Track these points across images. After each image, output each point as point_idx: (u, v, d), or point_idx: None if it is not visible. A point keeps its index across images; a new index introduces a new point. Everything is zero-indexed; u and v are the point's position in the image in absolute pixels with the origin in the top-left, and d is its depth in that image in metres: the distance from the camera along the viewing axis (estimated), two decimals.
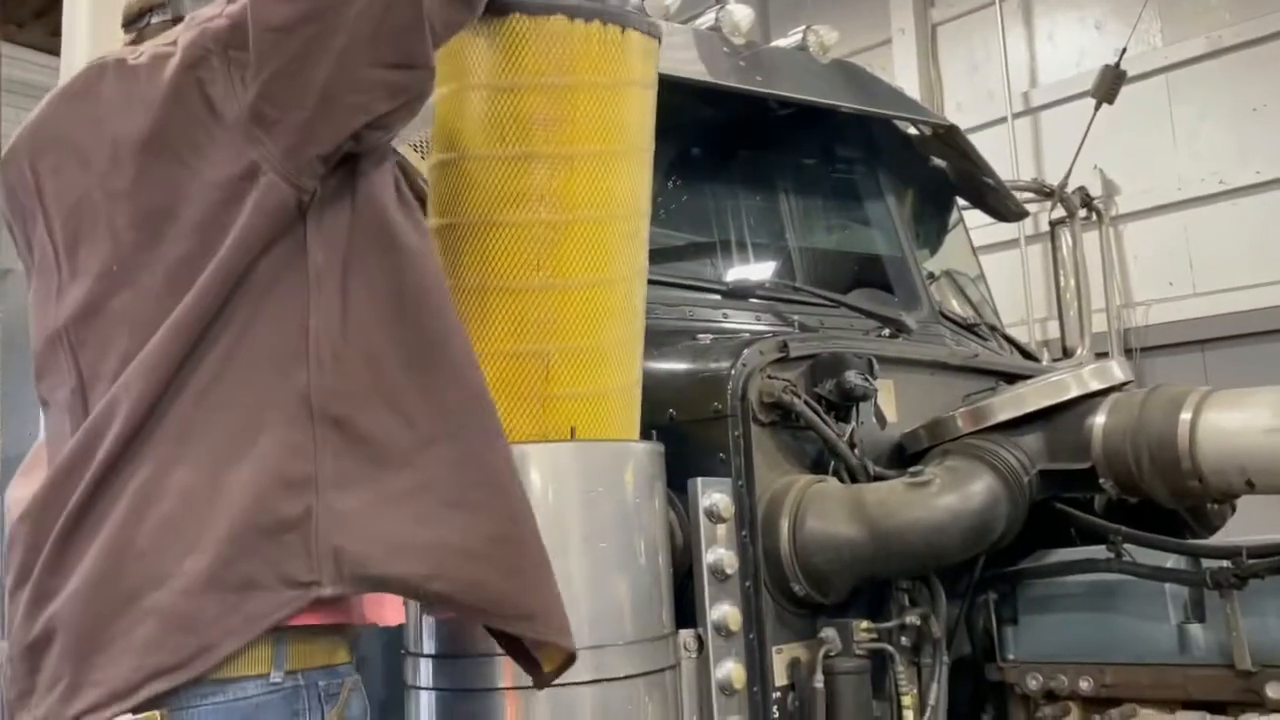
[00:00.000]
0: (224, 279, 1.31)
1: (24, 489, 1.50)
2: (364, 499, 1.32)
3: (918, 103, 3.24)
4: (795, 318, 2.55)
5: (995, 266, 6.64)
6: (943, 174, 3.49)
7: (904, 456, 2.32)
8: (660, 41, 1.93)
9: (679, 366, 2.22)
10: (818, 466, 2.21)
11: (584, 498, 1.80)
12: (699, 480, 1.99)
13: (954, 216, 3.63)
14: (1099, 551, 2.12)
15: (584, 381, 1.80)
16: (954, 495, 2.01)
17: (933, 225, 3.58)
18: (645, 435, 2.04)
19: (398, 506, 1.34)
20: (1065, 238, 5.73)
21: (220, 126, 1.33)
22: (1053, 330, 6.40)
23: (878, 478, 2.16)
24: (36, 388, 1.51)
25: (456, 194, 1.79)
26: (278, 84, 1.31)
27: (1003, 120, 7.09)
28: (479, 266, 1.76)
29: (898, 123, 3.20)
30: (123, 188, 1.38)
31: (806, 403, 2.11)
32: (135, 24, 1.63)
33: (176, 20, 1.57)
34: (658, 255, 2.66)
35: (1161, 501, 2.11)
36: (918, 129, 3.25)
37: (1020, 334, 6.48)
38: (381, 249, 1.41)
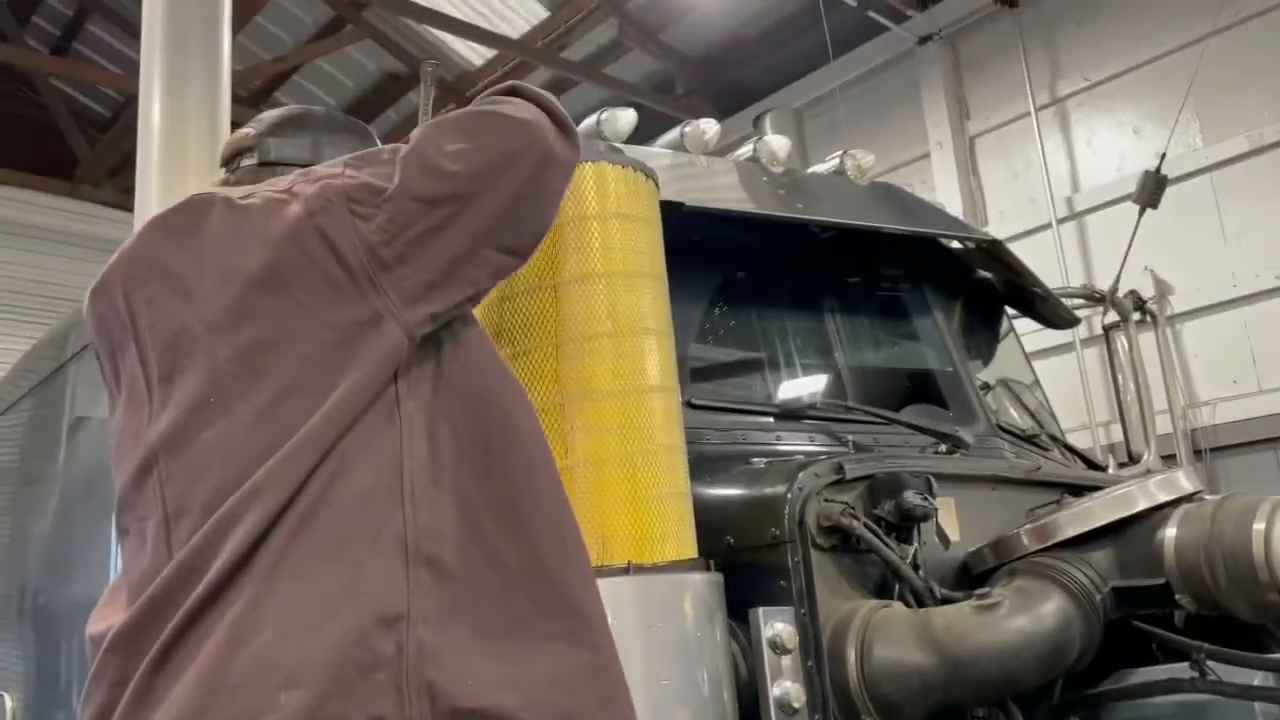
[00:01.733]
0: (342, 418, 1.35)
1: (105, 622, 1.49)
2: (456, 635, 1.34)
3: (958, 219, 3.27)
4: (849, 437, 2.53)
5: (1051, 372, 6.60)
6: (991, 285, 3.50)
7: (970, 577, 2.26)
8: (658, 186, 2.16)
9: (734, 492, 2.21)
10: (882, 590, 2.16)
11: (644, 632, 1.79)
12: (760, 610, 1.96)
13: (1004, 326, 3.62)
14: (1183, 670, 2.03)
15: (666, 481, 1.89)
16: (1025, 617, 1.95)
17: (984, 336, 3.57)
18: (706, 564, 2.03)
19: (489, 642, 1.36)
20: (1121, 341, 5.66)
21: (342, 271, 1.41)
22: (1116, 434, 6.27)
23: (945, 600, 2.11)
24: (118, 519, 1.52)
25: (528, 323, 1.96)
26: (411, 247, 1.42)
27: (1047, 226, 7.13)
28: (554, 382, 1.89)
29: (944, 240, 3.23)
30: (227, 321, 1.41)
31: (866, 525, 2.08)
32: (228, 165, 1.76)
33: (263, 164, 1.72)
34: (707, 379, 2.70)
35: (1242, 616, 2.03)
36: (961, 244, 3.28)
37: (1083, 439, 6.37)
38: (470, 396, 1.49)
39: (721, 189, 2.69)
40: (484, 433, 1.47)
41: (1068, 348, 6.55)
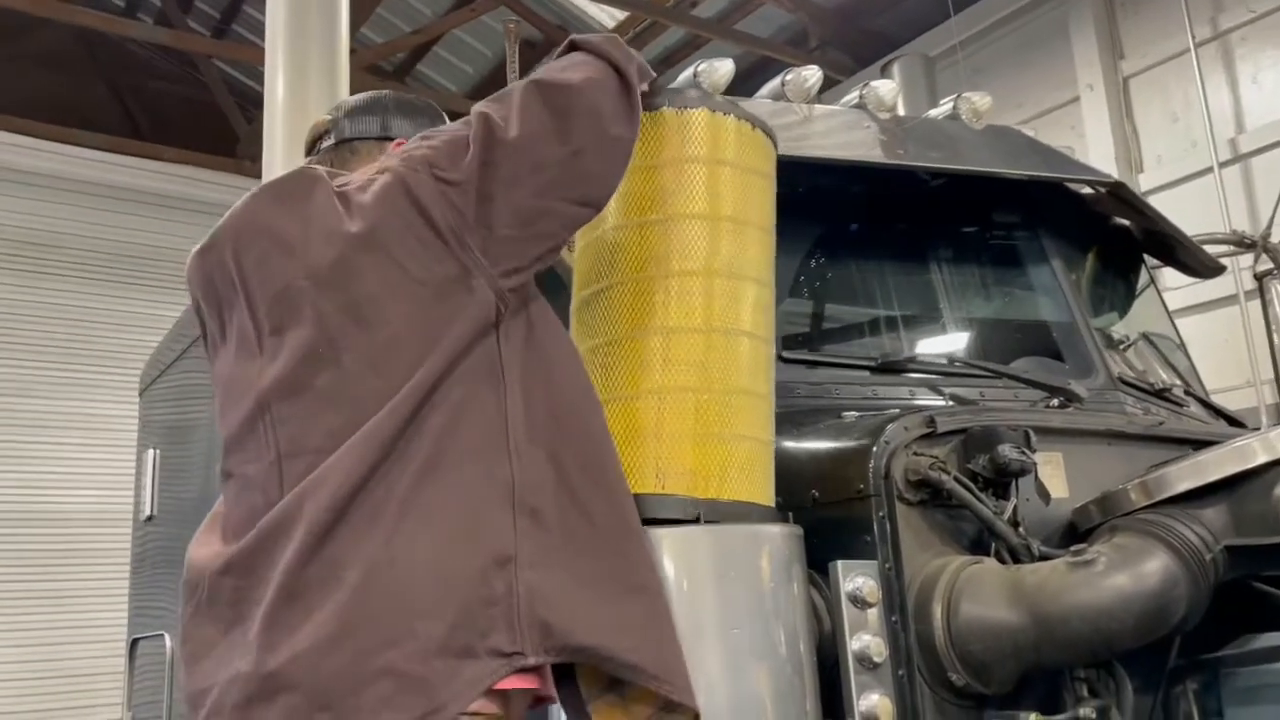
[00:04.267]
0: (444, 369, 1.48)
1: (206, 548, 1.61)
2: (558, 579, 1.48)
3: (1080, 162, 3.08)
4: (951, 391, 2.44)
5: (1213, 325, 6.18)
6: (1125, 232, 3.31)
7: (1076, 535, 2.16)
8: (776, 144, 2.09)
9: (821, 445, 2.17)
10: (977, 548, 2.09)
11: (717, 583, 1.78)
12: (840, 564, 1.92)
13: (1144, 277, 3.41)
14: None
15: (732, 423, 1.86)
16: (1123, 575, 1.85)
17: (1118, 287, 3.38)
18: (785, 516, 2.01)
19: (587, 588, 1.50)
20: (1276, 290, 5.25)
21: (431, 232, 1.54)
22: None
23: (1045, 558, 2.02)
24: (225, 461, 1.64)
25: (612, 258, 1.94)
26: (487, 206, 1.54)
27: (1209, 170, 6.66)
28: (631, 316, 1.88)
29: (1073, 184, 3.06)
30: (333, 277, 1.53)
31: (957, 479, 2.02)
32: (311, 151, 1.95)
33: (340, 142, 1.90)
34: (803, 333, 2.65)
35: None
36: (1092, 188, 3.10)
37: (1247, 398, 5.95)
38: (551, 361, 1.62)
39: (820, 137, 2.62)
40: (569, 396, 1.61)
41: (1232, 300, 6.12)
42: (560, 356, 1.65)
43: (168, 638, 3.99)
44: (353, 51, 9.39)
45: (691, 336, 1.88)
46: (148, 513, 4.49)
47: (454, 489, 1.45)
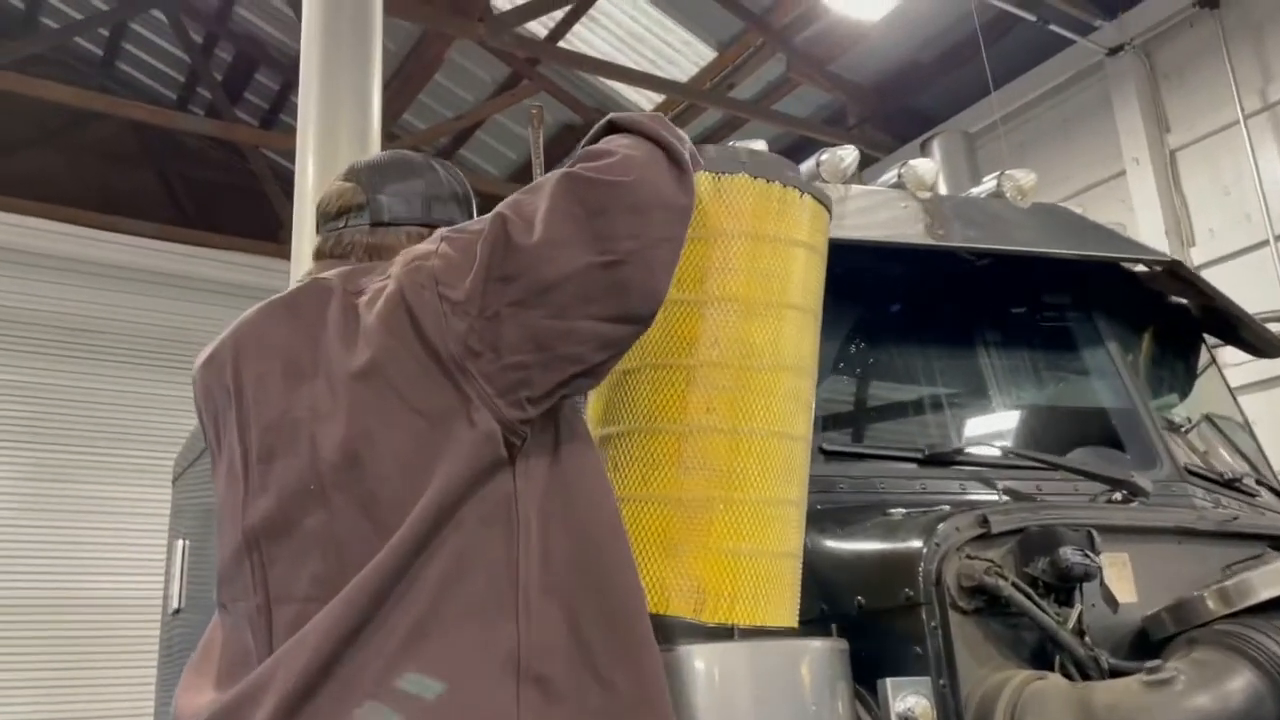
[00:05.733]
0: (433, 515, 1.29)
1: (194, 695, 1.48)
2: None
3: (1133, 240, 2.95)
4: (1005, 485, 2.28)
5: (1262, 406, 5.92)
6: (1182, 310, 3.15)
7: (1148, 645, 1.97)
8: (830, 211, 1.91)
9: (865, 547, 2.02)
10: (1040, 659, 1.92)
11: (755, 706, 1.63)
12: (889, 682, 1.76)
13: (1204, 357, 3.24)
14: None
15: (747, 537, 1.67)
16: (1205, 696, 1.67)
17: (1178, 369, 3.21)
18: (828, 627, 1.86)
19: None
20: None
21: (431, 358, 1.35)
22: None
23: (1115, 672, 1.84)
24: (218, 592, 1.52)
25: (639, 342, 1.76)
26: (494, 328, 1.34)
27: (1264, 244, 6.47)
28: (648, 409, 1.72)
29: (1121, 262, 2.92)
30: (331, 410, 1.38)
31: (1015, 585, 1.85)
32: (333, 222, 1.68)
33: (375, 225, 1.65)
34: (841, 422, 2.51)
35: None
36: (1146, 266, 2.96)
37: None
38: (577, 500, 1.40)
39: (858, 217, 2.51)
40: (595, 541, 1.39)
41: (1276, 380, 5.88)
42: (589, 494, 1.42)
43: None
44: (395, 138, 9.58)
45: (715, 437, 1.71)
46: (176, 605, 4.40)
47: (442, 659, 1.24)
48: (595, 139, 1.58)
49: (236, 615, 1.45)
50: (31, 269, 9.51)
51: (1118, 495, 2.34)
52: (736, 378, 1.75)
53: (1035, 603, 1.86)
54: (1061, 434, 2.58)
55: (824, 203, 1.90)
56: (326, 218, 1.72)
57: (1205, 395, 3.23)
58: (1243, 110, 6.62)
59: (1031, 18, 7.08)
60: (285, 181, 11.48)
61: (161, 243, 10.04)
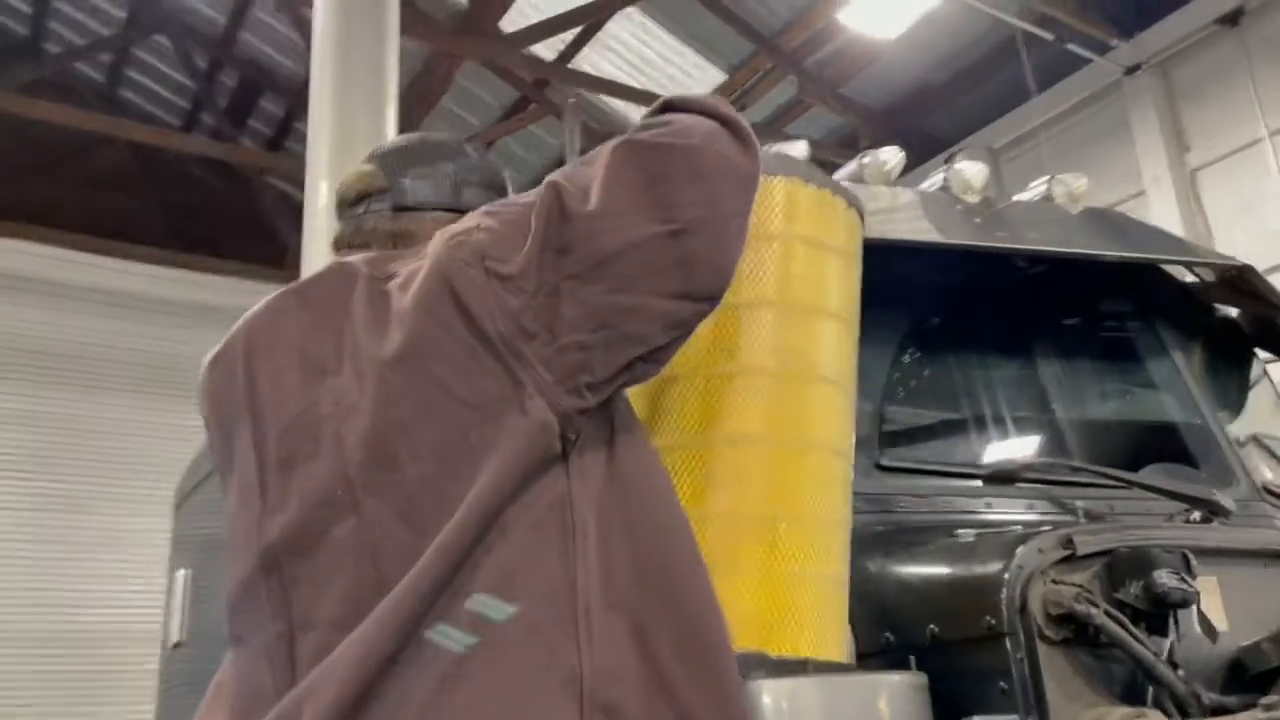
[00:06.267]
0: (478, 520, 1.11)
1: None
2: None
3: (1193, 244, 2.80)
4: (1076, 503, 2.12)
5: None
6: (1232, 324, 2.99)
7: (1245, 679, 1.80)
8: (864, 218, 1.84)
9: (937, 571, 1.85)
10: (1130, 694, 1.75)
11: None
12: None
13: (1255, 371, 3.08)
14: None
15: (813, 559, 1.54)
16: None
17: (1229, 383, 3.05)
18: (898, 659, 1.69)
19: None
20: None
21: (480, 341, 1.18)
22: None
23: (1217, 710, 1.68)
24: (230, 623, 1.33)
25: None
26: (552, 307, 1.17)
27: None
28: (699, 420, 1.58)
29: (1174, 270, 2.78)
30: (358, 402, 1.21)
31: (1108, 613, 1.69)
32: (352, 209, 1.53)
33: (399, 210, 1.50)
34: (899, 437, 2.35)
35: None
36: (1196, 275, 2.81)
37: None
38: (640, 503, 1.22)
39: (907, 220, 2.36)
40: (663, 549, 1.21)
41: None
42: (652, 495, 1.25)
43: None
44: None
45: (775, 450, 1.58)
46: (176, 638, 4.21)
47: (496, 684, 1.07)
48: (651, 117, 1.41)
49: (252, 649, 1.26)
50: (35, 295, 9.39)
51: (1196, 515, 2.18)
52: (796, 388, 1.63)
53: (1130, 633, 1.69)
54: (1128, 450, 2.42)
55: (859, 210, 1.82)
56: (345, 205, 1.56)
57: (1256, 411, 3.07)
58: (1266, 127, 6.51)
59: (1049, 36, 6.99)
60: (290, 208, 11.40)
61: (165, 269, 9.94)
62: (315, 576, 1.19)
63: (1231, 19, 6.72)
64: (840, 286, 1.74)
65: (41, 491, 9.04)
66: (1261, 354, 3.09)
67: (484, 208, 1.32)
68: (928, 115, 8.57)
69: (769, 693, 1.44)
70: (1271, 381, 3.14)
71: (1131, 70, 7.19)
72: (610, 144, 1.28)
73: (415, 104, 9.23)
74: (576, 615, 1.11)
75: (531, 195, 1.27)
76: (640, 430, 1.31)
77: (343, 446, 1.20)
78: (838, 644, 1.57)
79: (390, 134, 4.78)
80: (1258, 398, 3.07)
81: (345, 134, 4.68)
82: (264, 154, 10.70)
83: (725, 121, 1.32)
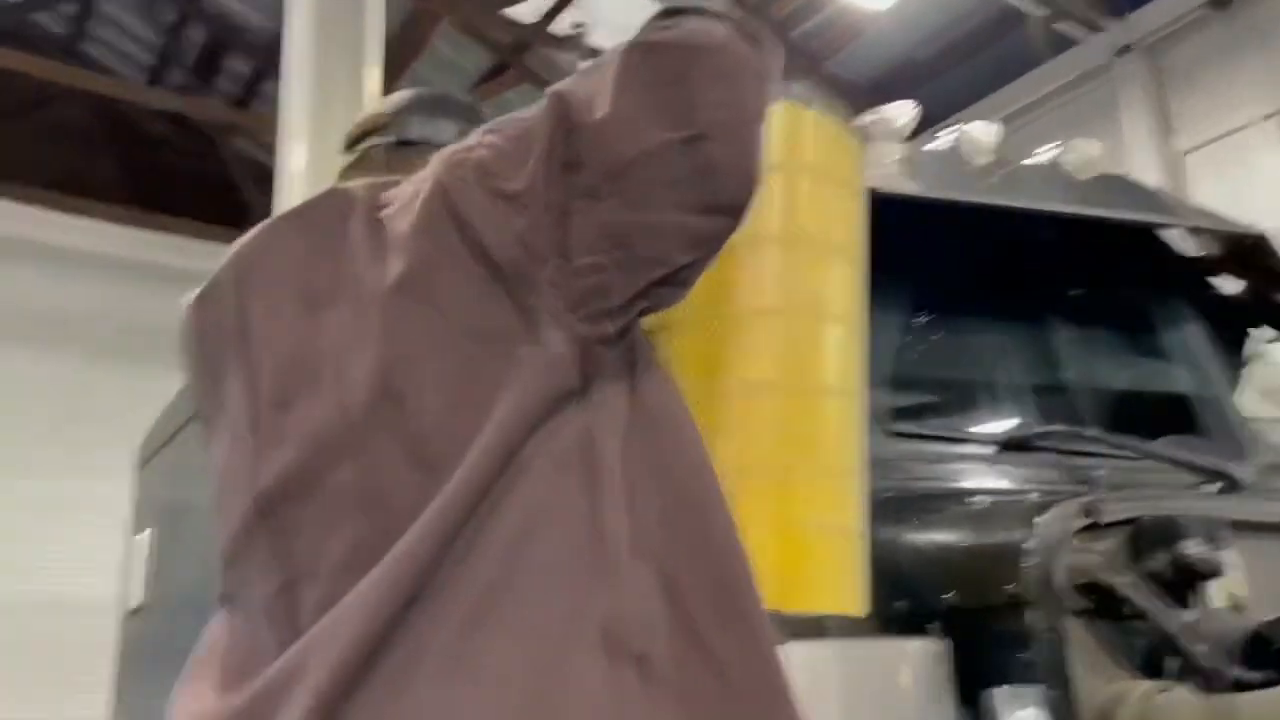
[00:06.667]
0: (494, 458, 1.02)
1: (193, 702, 1.18)
2: None
3: (1213, 212, 2.73)
4: (1091, 472, 2.04)
5: None
6: (1234, 300, 2.93)
7: (1267, 654, 1.74)
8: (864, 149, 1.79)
9: (953, 538, 1.77)
10: (1152, 668, 1.68)
11: (847, 716, 1.37)
12: (997, 692, 1.51)
13: (1247, 349, 3.03)
14: None
15: (832, 510, 1.47)
16: None
17: (1231, 357, 2.99)
18: (918, 630, 1.60)
19: None
20: None
21: (484, 266, 1.09)
22: None
23: (1240, 684, 1.60)
24: (223, 579, 1.22)
25: None
26: (564, 226, 1.08)
27: None
28: (705, 366, 1.49)
29: (1182, 242, 2.71)
30: (360, 337, 1.12)
31: (1134, 582, 1.61)
32: (356, 146, 1.48)
33: (400, 144, 1.45)
34: (910, 402, 2.26)
35: None
36: (1206, 246, 2.74)
37: None
38: (665, 441, 1.13)
39: (920, 178, 2.27)
40: (689, 490, 1.12)
41: None
42: (678, 432, 1.15)
43: None
44: None
45: (789, 397, 1.50)
46: (136, 602, 4.06)
47: (521, 633, 0.99)
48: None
49: (248, 606, 1.16)
50: None
51: (1212, 487, 2.11)
52: (805, 329, 1.54)
53: (1156, 603, 1.61)
54: (1141, 420, 2.34)
55: (861, 139, 1.78)
56: (349, 144, 1.50)
57: (1245, 393, 3.01)
58: (1254, 114, 6.49)
59: (1040, 13, 6.92)
60: (255, 171, 11.14)
61: (124, 228, 9.66)
62: (317, 523, 1.09)
63: (1222, 2, 6.68)
64: (847, 220, 1.63)
65: None
66: (1260, 333, 3.04)
67: (485, 125, 1.21)
68: (914, 92, 8.48)
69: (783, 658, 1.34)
70: (1263, 362, 3.09)
71: (1122, 51, 7.15)
72: (619, 47, 1.16)
73: (388, 70, 9.01)
74: (605, 559, 1.02)
75: (535, 108, 1.16)
76: (662, 364, 1.20)
77: (345, 384, 1.11)
78: (857, 598, 1.49)
79: (373, 92, 4.60)
80: (1247, 378, 3.02)
81: (322, 94, 4.51)
82: (229, 110, 10.42)
83: (736, 22, 1.20)
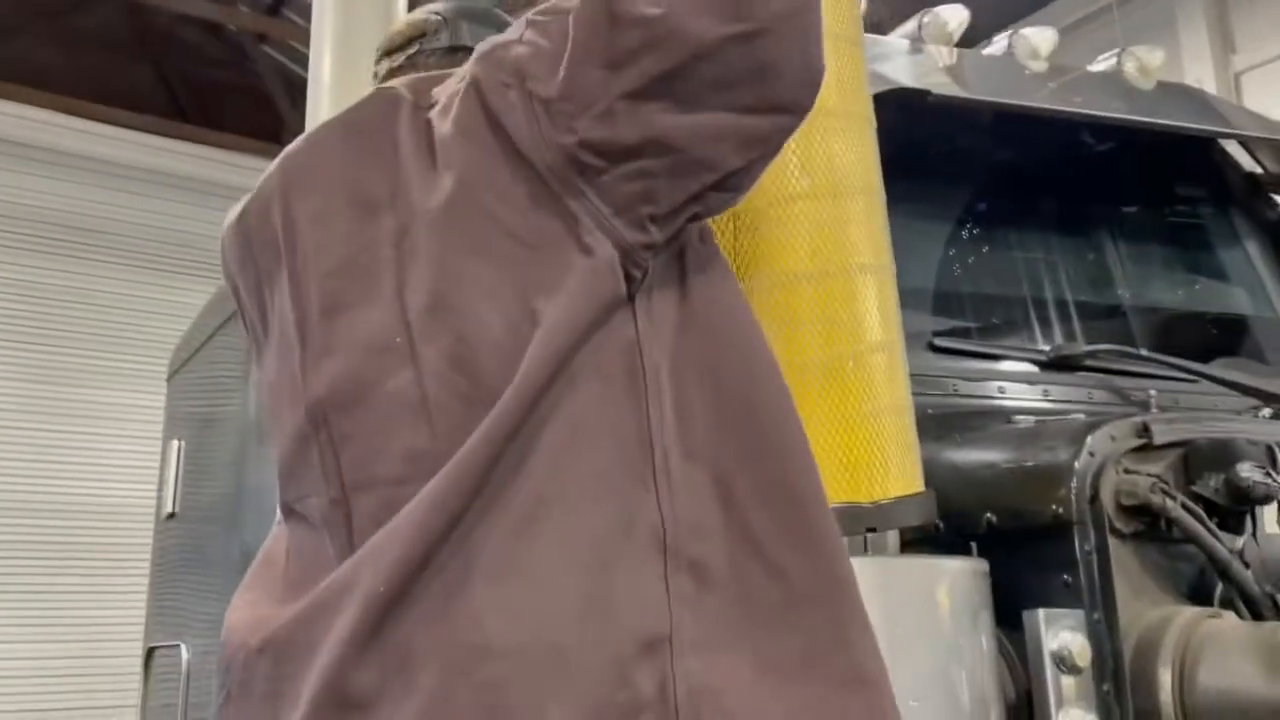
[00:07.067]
0: (545, 368, 0.98)
1: (247, 610, 1.16)
2: (737, 669, 0.99)
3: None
4: (1141, 394, 1.97)
5: None
6: None
7: None
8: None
9: (997, 456, 1.70)
10: (1198, 593, 1.62)
11: (885, 635, 1.33)
12: (1041, 613, 1.46)
13: None
14: None
15: (884, 392, 1.42)
16: None
17: None
18: (957, 548, 1.55)
19: (781, 681, 1.00)
20: None
21: (527, 169, 1.03)
22: None
23: None
24: (281, 493, 1.20)
25: None
26: (604, 128, 1.01)
27: None
28: (737, 263, 1.42)
29: (1245, 156, 2.57)
30: (415, 243, 1.07)
31: (1185, 506, 1.55)
32: (403, 50, 1.40)
33: (453, 50, 1.37)
34: (952, 315, 2.18)
35: None
36: (1262, 166, 2.61)
37: None
38: (719, 342, 1.08)
39: (971, 83, 2.15)
40: (745, 393, 1.07)
41: None
42: (732, 336, 1.10)
43: (184, 648, 3.59)
44: None
45: (827, 283, 1.43)
46: (170, 509, 4.10)
47: (573, 538, 0.96)
48: None
49: (308, 515, 1.13)
50: (26, 161, 9.08)
51: (1266, 412, 2.03)
52: (834, 208, 1.45)
53: (1207, 527, 1.55)
54: (1195, 340, 2.25)
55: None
56: (393, 50, 1.40)
57: None
58: None
59: None
60: (289, 82, 11.01)
61: (161, 139, 9.60)
62: (368, 433, 1.05)
63: None
64: (854, 78, 1.52)
65: (34, 363, 8.89)
66: None
67: (527, 16, 1.11)
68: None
69: None
70: None
71: None
72: None
73: None
74: (654, 466, 0.98)
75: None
76: (720, 265, 1.14)
77: (398, 291, 1.06)
78: (918, 476, 1.46)
79: (404, 4, 4.48)
80: None
81: (350, 10, 4.39)
82: (261, 18, 10.26)
83: None
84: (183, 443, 4.12)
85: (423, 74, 1.24)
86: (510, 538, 0.94)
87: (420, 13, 1.44)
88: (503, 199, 1.03)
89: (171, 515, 4.13)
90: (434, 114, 1.13)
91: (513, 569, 0.94)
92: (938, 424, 1.80)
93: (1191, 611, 1.54)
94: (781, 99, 1.04)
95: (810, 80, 1.05)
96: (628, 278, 1.02)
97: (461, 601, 0.93)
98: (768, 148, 1.07)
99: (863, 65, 1.56)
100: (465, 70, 1.12)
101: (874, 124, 1.55)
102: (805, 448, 1.08)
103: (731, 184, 1.06)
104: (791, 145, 1.40)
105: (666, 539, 0.97)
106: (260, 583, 1.16)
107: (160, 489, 4.29)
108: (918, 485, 1.44)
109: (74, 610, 8.54)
